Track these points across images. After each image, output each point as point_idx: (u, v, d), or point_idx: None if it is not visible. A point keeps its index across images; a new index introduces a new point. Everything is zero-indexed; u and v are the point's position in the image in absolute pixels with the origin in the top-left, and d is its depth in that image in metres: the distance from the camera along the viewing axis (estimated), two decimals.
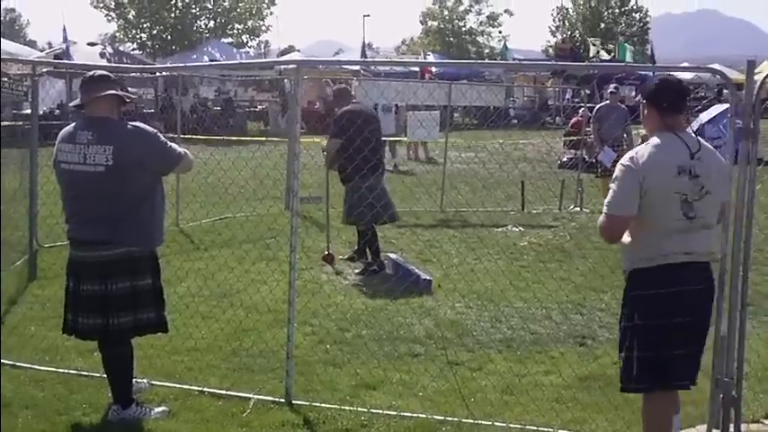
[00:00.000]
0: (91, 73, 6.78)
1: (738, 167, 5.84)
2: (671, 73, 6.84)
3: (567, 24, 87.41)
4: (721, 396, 5.98)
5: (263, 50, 76.36)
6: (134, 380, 6.93)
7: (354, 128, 10.98)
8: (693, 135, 5.62)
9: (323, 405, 7.03)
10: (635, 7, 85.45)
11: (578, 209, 17.89)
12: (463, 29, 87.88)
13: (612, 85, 18.85)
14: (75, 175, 6.44)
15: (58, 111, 31.63)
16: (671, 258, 5.52)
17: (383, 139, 13.74)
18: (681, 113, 5.71)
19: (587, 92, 26.52)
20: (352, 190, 11.85)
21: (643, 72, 44.03)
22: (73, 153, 6.43)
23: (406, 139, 25.01)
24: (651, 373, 5.62)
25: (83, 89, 6.66)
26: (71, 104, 7.27)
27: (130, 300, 6.53)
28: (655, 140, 5.57)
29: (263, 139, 23.76)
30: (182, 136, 16.10)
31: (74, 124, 6.64)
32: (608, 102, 18.43)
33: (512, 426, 6.70)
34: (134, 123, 6.67)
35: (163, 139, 6.68)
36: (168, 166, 6.75)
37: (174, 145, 6.78)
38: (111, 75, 6.87)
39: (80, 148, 6.40)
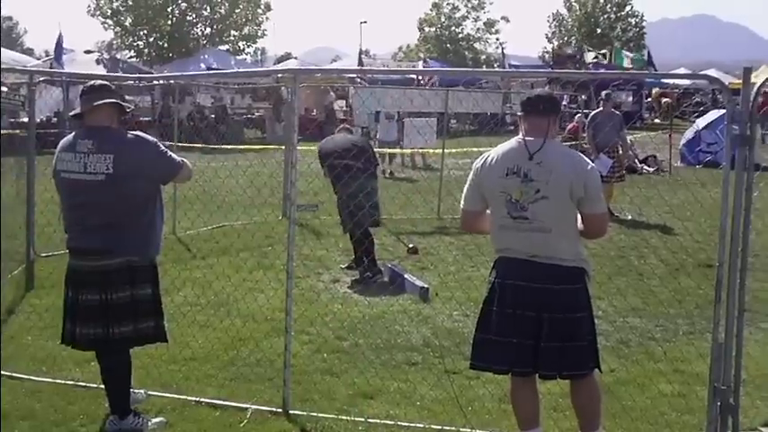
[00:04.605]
0: (91, 82, 6.77)
1: (735, 174, 5.84)
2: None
3: (563, 30, 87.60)
4: (719, 404, 5.96)
5: (259, 57, 76.45)
6: (131, 390, 6.91)
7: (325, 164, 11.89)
8: (542, 143, 5.77)
9: (320, 415, 7.03)
10: (631, 12, 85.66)
11: None
12: (460, 35, 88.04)
13: (604, 92, 18.60)
14: (75, 183, 6.43)
15: (54, 119, 31.62)
16: (505, 252, 5.99)
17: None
18: (533, 118, 5.90)
19: (584, 98, 26.50)
20: (339, 200, 12.03)
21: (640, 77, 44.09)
22: (73, 162, 6.41)
23: (401, 148, 25.07)
24: (481, 353, 6.08)
25: (83, 98, 6.65)
26: (71, 113, 7.25)
27: (130, 309, 6.51)
28: (502, 144, 5.99)
29: (260, 147, 23.80)
30: (179, 144, 16.12)
31: (74, 133, 6.62)
32: (602, 109, 18.13)
33: None
34: (134, 132, 6.67)
35: (163, 147, 6.67)
36: (168, 174, 6.74)
37: (173, 154, 6.78)
38: (110, 84, 6.87)
39: (80, 156, 6.39)
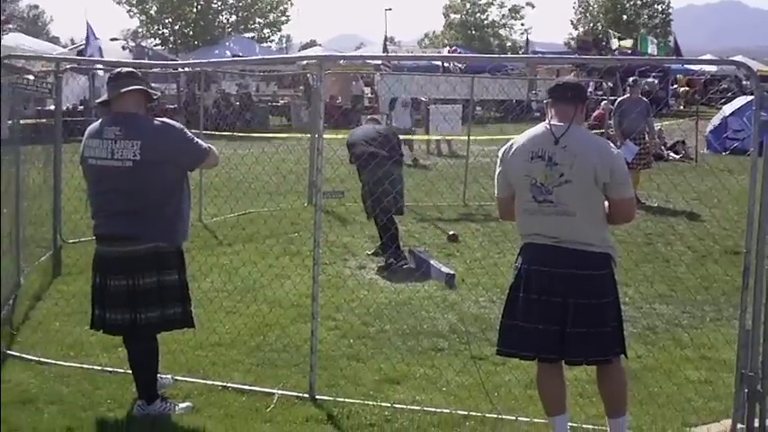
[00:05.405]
0: (118, 70, 6.79)
1: (763, 160, 5.80)
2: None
3: (589, 17, 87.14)
4: (746, 390, 5.95)
5: (284, 45, 76.40)
6: (158, 375, 6.94)
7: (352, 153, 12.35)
8: (567, 127, 5.77)
9: (346, 400, 7.04)
10: None
11: None
12: (485, 22, 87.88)
13: (631, 79, 18.49)
14: (102, 170, 6.45)
15: (81, 107, 31.75)
16: (531, 238, 5.96)
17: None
18: (561, 106, 5.91)
19: (610, 84, 26.36)
20: (364, 186, 12.14)
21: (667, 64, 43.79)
22: (100, 148, 6.43)
23: (424, 135, 25.06)
24: (508, 339, 6.06)
25: (110, 85, 6.67)
26: (97, 101, 7.27)
27: (157, 295, 6.53)
28: (528, 130, 6.00)
29: (285, 135, 23.82)
30: (204, 132, 16.14)
31: (101, 120, 6.62)
32: (629, 95, 18.02)
33: (536, 420, 6.68)
34: (161, 119, 6.68)
35: (189, 134, 6.68)
36: (195, 161, 6.74)
37: (199, 140, 6.79)
38: (137, 71, 6.88)
39: (108, 143, 6.40)
